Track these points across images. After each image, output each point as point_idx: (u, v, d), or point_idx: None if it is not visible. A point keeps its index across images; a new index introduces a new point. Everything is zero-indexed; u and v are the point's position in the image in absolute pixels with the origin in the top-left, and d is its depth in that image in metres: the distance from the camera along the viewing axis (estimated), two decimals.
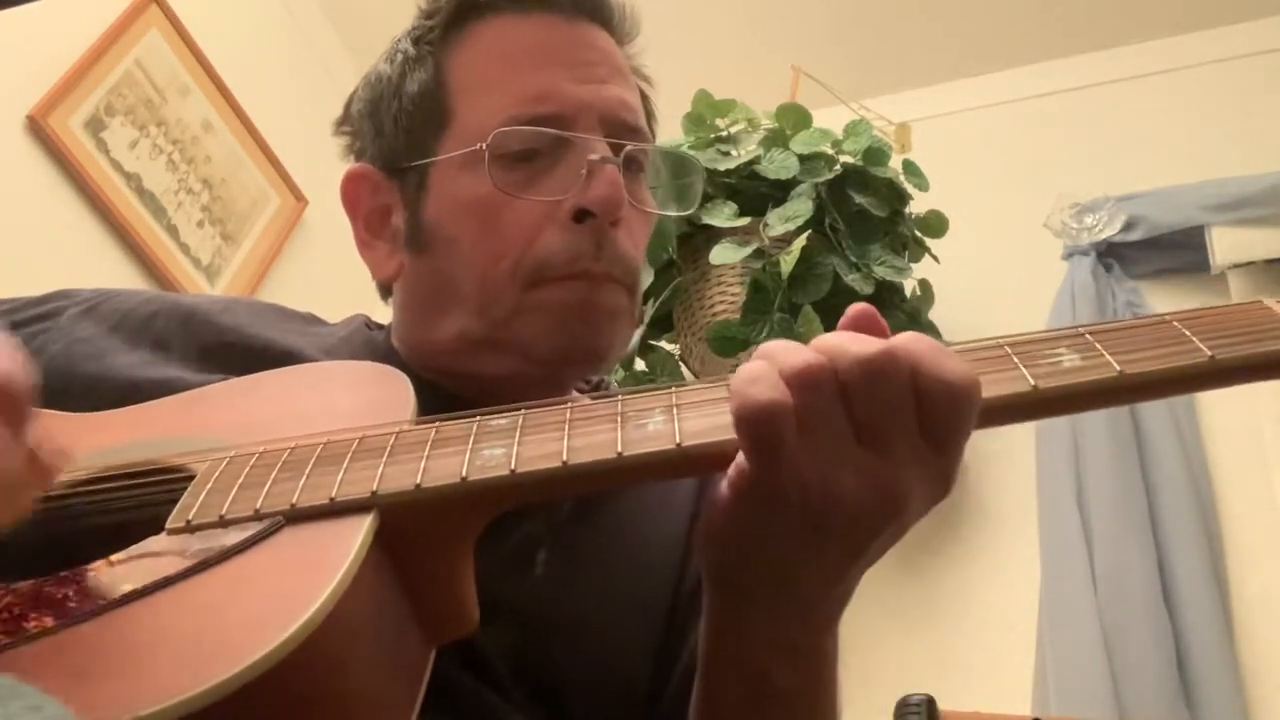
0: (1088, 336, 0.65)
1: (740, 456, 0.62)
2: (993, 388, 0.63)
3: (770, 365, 0.61)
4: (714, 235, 2.30)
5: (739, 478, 0.63)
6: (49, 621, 0.60)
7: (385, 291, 1.03)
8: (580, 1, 0.96)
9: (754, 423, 0.59)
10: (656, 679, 0.88)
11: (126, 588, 0.61)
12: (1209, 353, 0.62)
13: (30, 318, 0.97)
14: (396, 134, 0.95)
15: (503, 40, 0.94)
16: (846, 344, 0.61)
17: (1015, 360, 0.64)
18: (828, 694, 0.73)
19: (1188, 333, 0.64)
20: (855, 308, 0.65)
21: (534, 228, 0.89)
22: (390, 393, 0.78)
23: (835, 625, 0.71)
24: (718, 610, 0.71)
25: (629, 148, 0.92)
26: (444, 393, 0.92)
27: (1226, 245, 2.35)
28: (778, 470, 0.60)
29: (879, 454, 0.60)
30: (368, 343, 0.99)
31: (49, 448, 0.67)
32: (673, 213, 1.05)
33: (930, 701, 1.53)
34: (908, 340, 0.61)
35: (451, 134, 0.92)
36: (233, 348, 0.93)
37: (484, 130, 0.89)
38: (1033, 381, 0.62)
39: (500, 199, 0.89)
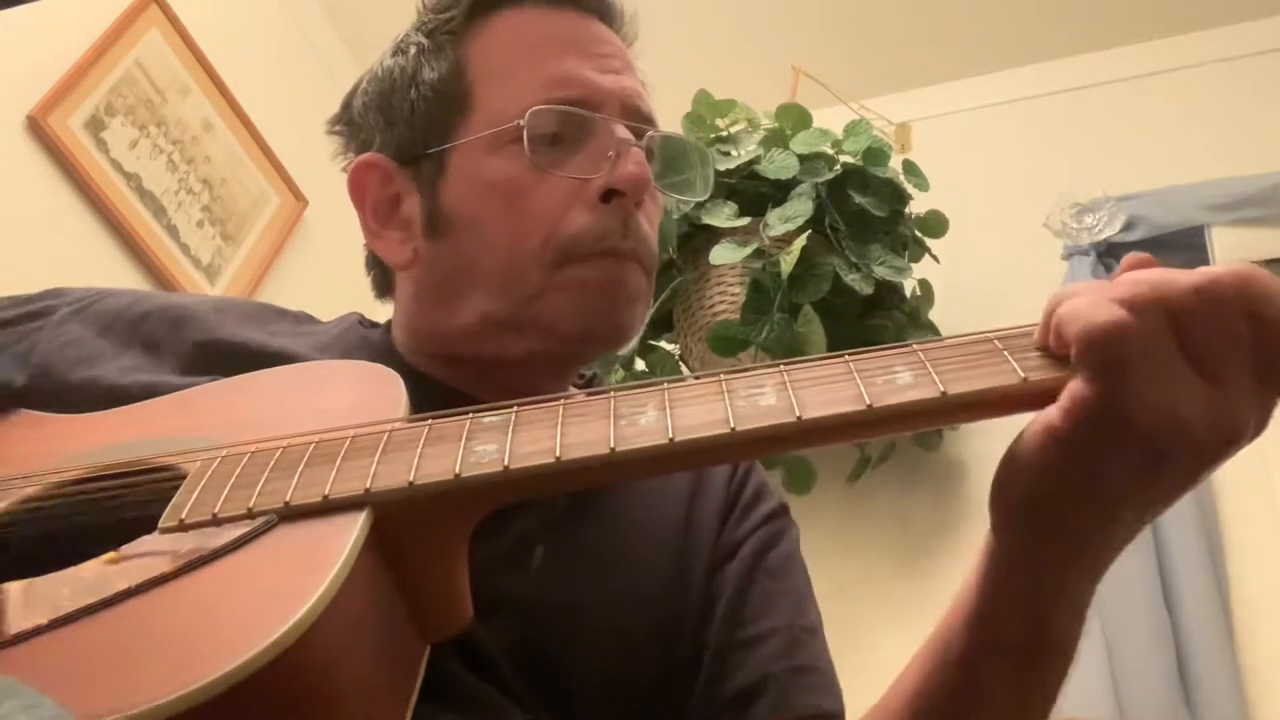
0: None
1: (1071, 390, 0.60)
2: (985, 380, 0.63)
3: (1096, 292, 0.60)
4: (714, 235, 2.30)
5: (1077, 408, 0.60)
6: (43, 620, 0.60)
7: (383, 288, 1.03)
8: (592, 1, 0.99)
9: (1102, 344, 0.58)
10: (676, 663, 0.88)
11: (120, 586, 0.61)
12: None
13: (21, 316, 0.97)
14: (412, 123, 0.96)
15: (524, 30, 0.97)
16: (1173, 274, 0.60)
17: (1006, 355, 0.64)
18: (1075, 655, 0.72)
19: None
20: (1134, 257, 0.64)
21: (561, 207, 0.91)
22: (382, 391, 0.78)
23: (1100, 580, 0.70)
24: (1010, 551, 0.68)
25: (650, 133, 0.95)
26: (442, 388, 0.93)
27: (1226, 245, 2.35)
28: (1125, 394, 0.58)
29: (1216, 382, 0.59)
30: (363, 340, 0.99)
31: None
32: (686, 198, 1.07)
33: None
34: (1241, 269, 0.60)
35: (473, 120, 0.94)
36: (223, 348, 0.93)
37: (508, 114, 0.92)
38: (1022, 374, 0.62)
39: (528, 179, 0.91)
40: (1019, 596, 0.69)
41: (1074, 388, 0.60)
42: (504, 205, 0.91)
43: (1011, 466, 0.65)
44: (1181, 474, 0.62)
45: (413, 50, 0.98)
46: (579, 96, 0.92)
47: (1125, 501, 0.63)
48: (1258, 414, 0.61)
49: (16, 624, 0.60)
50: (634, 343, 2.37)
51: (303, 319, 1.03)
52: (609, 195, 0.91)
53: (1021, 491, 0.65)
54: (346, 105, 1.03)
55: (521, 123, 0.90)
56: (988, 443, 2.34)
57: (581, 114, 0.92)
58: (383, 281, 1.03)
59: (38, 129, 2.18)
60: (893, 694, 0.80)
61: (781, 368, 0.66)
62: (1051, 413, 0.61)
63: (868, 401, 0.62)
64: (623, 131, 0.93)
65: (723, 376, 0.67)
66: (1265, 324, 0.59)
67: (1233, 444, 0.61)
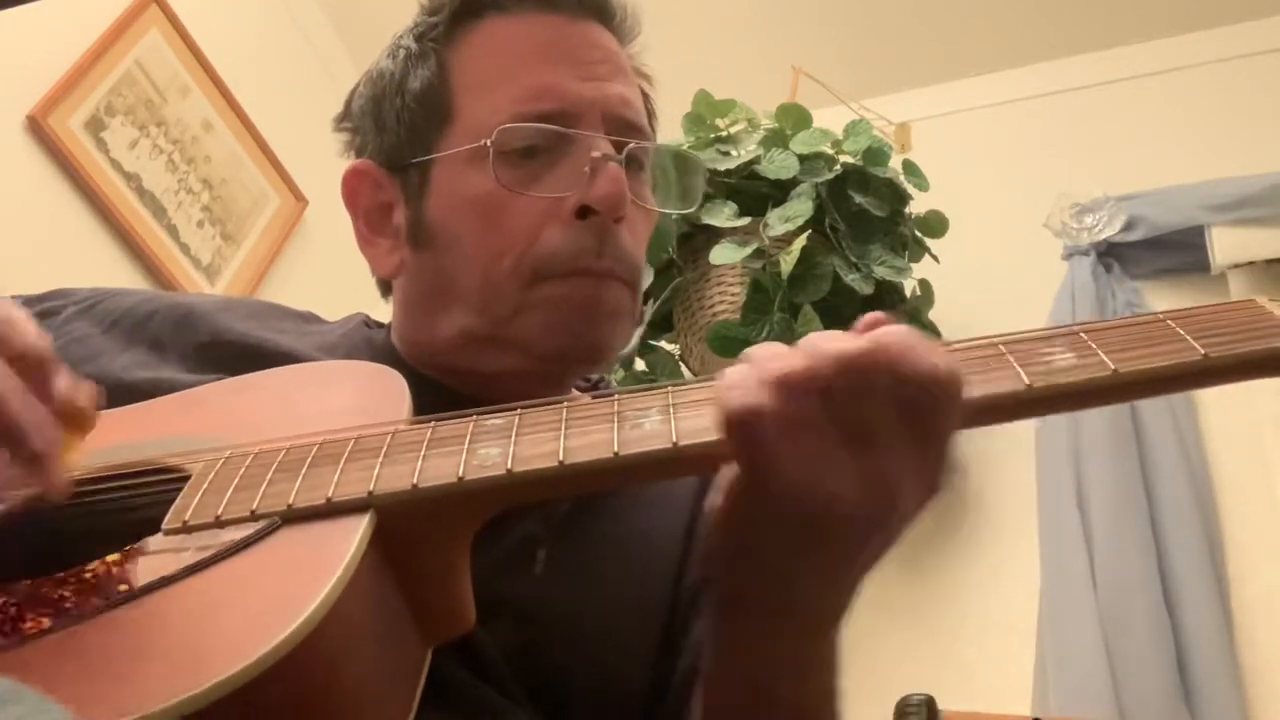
0: (1082, 335, 0.65)
1: (726, 468, 0.62)
2: (988, 386, 0.63)
3: (751, 369, 0.61)
4: (714, 235, 2.30)
5: (729, 486, 0.62)
6: (46, 622, 0.60)
7: (385, 289, 1.03)
8: (583, 1, 0.96)
9: (734, 426, 0.59)
10: (657, 676, 0.88)
11: (123, 588, 0.62)
12: (1202, 351, 0.63)
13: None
14: (399, 130, 0.95)
15: (506, 38, 0.94)
16: (824, 343, 0.61)
17: (1010, 359, 0.64)
18: (830, 702, 0.72)
19: (1181, 331, 0.64)
20: (867, 318, 0.64)
21: (536, 225, 0.89)
22: (386, 392, 0.78)
23: (836, 633, 0.70)
24: (718, 624, 0.70)
25: (631, 145, 0.92)
26: (444, 390, 0.92)
27: (1226, 245, 2.35)
28: (766, 474, 0.60)
29: (866, 452, 0.60)
30: (366, 341, 0.99)
31: (77, 399, 0.67)
32: (674, 211, 1.05)
33: (930, 701, 1.53)
34: (885, 334, 0.60)
35: (454, 131, 0.92)
36: (228, 347, 0.93)
37: (487, 127, 0.90)
38: (1027, 380, 0.62)
39: (503, 196, 0.89)
40: (733, 667, 0.70)
41: (726, 467, 0.62)
42: (480, 222, 0.90)
43: (703, 549, 0.68)
44: (851, 544, 0.63)
45: (402, 54, 0.97)
46: (555, 109, 0.90)
47: (797, 575, 0.64)
48: (922, 474, 0.61)
49: (22, 625, 0.60)
50: (634, 343, 2.37)
51: (309, 318, 1.03)
52: (585, 212, 0.89)
53: (711, 569, 0.67)
54: (347, 104, 1.03)
55: (488, 142, 0.89)
56: (988, 443, 2.35)
57: (552, 130, 0.90)
58: (385, 284, 1.02)
59: (38, 129, 2.19)
60: None
61: None
62: (715, 494, 0.63)
63: None
64: (601, 145, 0.90)
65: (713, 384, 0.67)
66: (905, 385, 0.59)
67: (889, 512, 0.61)
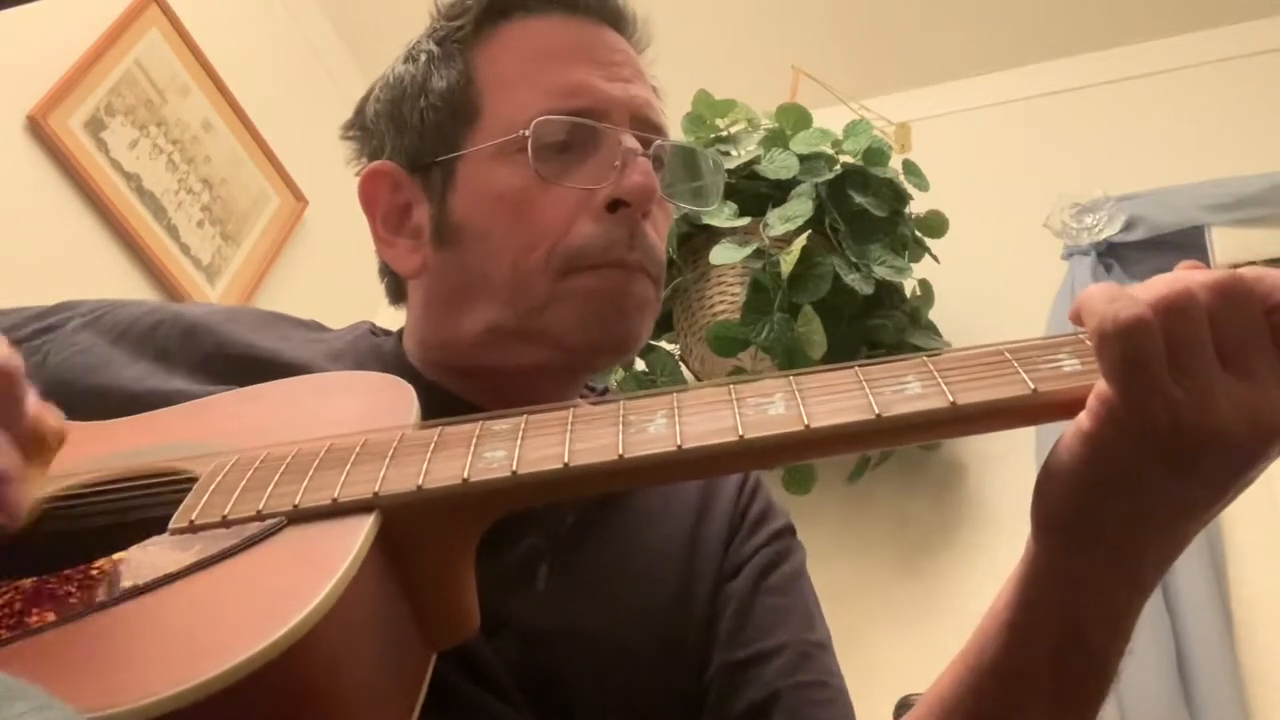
0: (1089, 343, 0.65)
1: (1097, 390, 0.61)
2: (994, 390, 0.63)
3: (1123, 290, 0.60)
4: (714, 235, 2.30)
5: (1101, 408, 0.60)
6: (50, 617, 0.60)
7: (396, 295, 1.03)
8: (604, 8, 0.98)
9: (1121, 340, 0.58)
10: (679, 683, 0.88)
11: (128, 585, 0.62)
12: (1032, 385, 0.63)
13: (34, 330, 0.97)
14: (422, 131, 0.96)
15: (533, 38, 0.96)
16: (1193, 273, 0.60)
17: (1015, 366, 0.64)
18: (1115, 673, 0.71)
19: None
20: (1185, 263, 0.64)
21: (568, 217, 0.90)
22: (394, 400, 0.78)
23: (1142, 603, 0.69)
24: (1047, 560, 0.68)
25: (658, 142, 0.95)
26: (455, 399, 0.92)
27: (1226, 245, 2.35)
28: (1149, 394, 0.58)
29: (1244, 380, 0.59)
30: (374, 349, 0.99)
31: (44, 420, 0.67)
32: (694, 208, 1.06)
33: None
34: (1256, 269, 0.61)
35: (481, 129, 0.94)
36: (236, 358, 0.93)
37: (516, 124, 0.91)
38: (1032, 385, 0.62)
39: (534, 189, 0.91)
40: (1054, 604, 0.68)
41: (1099, 388, 0.61)
42: (510, 215, 0.91)
43: (1048, 473, 0.65)
44: (1221, 474, 0.62)
45: (423, 58, 0.98)
46: (586, 106, 0.92)
47: (1161, 504, 0.63)
48: None
49: (27, 620, 0.61)
50: None
51: (313, 327, 1.03)
52: (615, 205, 0.91)
53: (1057, 498, 0.65)
54: (359, 111, 1.03)
55: (527, 133, 0.90)
56: (988, 443, 2.34)
57: (588, 124, 0.92)
58: (396, 289, 1.03)
59: (38, 129, 2.18)
60: (925, 701, 0.79)
61: (790, 377, 0.66)
62: (1081, 417, 0.61)
63: (876, 411, 0.62)
64: (630, 141, 0.92)
65: (731, 385, 0.67)
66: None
67: (1268, 446, 0.61)
